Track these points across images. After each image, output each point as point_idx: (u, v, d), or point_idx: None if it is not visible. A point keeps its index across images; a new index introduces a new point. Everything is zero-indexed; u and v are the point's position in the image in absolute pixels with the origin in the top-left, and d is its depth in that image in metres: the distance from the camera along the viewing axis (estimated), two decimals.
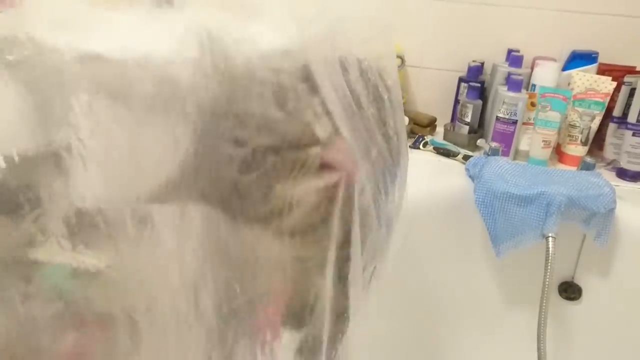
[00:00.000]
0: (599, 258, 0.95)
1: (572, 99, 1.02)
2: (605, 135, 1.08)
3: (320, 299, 0.36)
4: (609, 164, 1.07)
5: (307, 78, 0.31)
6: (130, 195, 0.26)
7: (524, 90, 1.04)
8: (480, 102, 1.11)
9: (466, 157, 1.05)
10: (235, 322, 0.31)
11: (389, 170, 0.40)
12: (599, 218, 0.88)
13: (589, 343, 0.99)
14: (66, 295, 0.26)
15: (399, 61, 1.16)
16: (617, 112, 1.05)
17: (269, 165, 0.29)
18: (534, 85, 1.06)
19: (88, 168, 0.24)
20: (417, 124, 1.17)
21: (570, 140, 1.05)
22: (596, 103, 1.02)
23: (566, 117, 1.03)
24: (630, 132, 1.00)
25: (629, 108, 1.01)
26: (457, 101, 1.17)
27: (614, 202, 0.87)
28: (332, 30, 0.33)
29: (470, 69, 1.13)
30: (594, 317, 0.98)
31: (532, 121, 1.04)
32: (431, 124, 1.19)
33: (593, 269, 0.98)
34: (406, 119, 1.10)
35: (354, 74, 0.34)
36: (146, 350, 0.27)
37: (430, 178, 0.99)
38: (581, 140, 1.04)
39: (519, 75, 1.04)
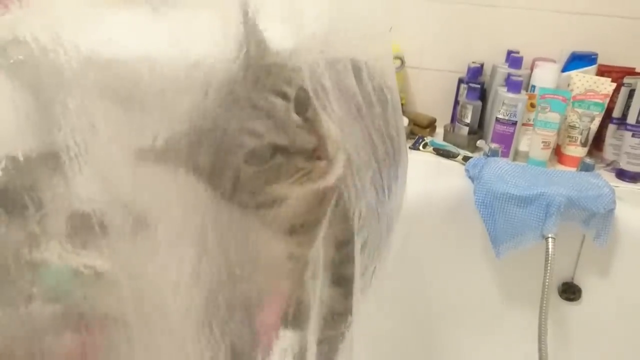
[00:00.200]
0: (599, 259, 0.95)
1: (571, 100, 1.02)
2: (604, 136, 1.08)
3: (319, 300, 0.36)
4: (608, 164, 1.07)
5: (319, 79, 0.32)
6: (129, 197, 0.26)
7: (523, 92, 1.04)
8: (479, 103, 1.11)
9: (466, 158, 1.05)
10: (233, 324, 0.31)
11: (390, 170, 0.40)
12: (598, 219, 0.88)
13: (588, 344, 0.99)
14: (66, 296, 0.26)
15: (399, 62, 1.16)
16: (616, 113, 1.06)
17: (275, 164, 0.29)
18: (533, 87, 1.06)
19: (88, 169, 0.24)
20: (417, 125, 1.17)
21: (569, 141, 1.05)
22: (596, 104, 1.02)
23: (566, 118, 1.04)
24: (630, 133, 1.00)
25: (628, 109, 1.01)
26: (456, 102, 1.17)
27: (614, 202, 0.88)
28: (332, 31, 0.33)
29: (470, 70, 1.13)
30: (594, 317, 0.99)
31: (531, 122, 1.05)
32: (431, 125, 1.19)
33: (593, 270, 0.98)
34: (406, 120, 1.10)
35: (364, 75, 0.34)
36: (146, 350, 0.27)
37: (430, 179, 0.99)
38: (581, 141, 1.04)
39: (519, 76, 1.04)
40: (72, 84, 0.24)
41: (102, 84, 0.24)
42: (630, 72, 1.07)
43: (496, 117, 1.05)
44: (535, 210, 0.88)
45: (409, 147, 1.12)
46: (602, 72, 1.07)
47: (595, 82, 1.02)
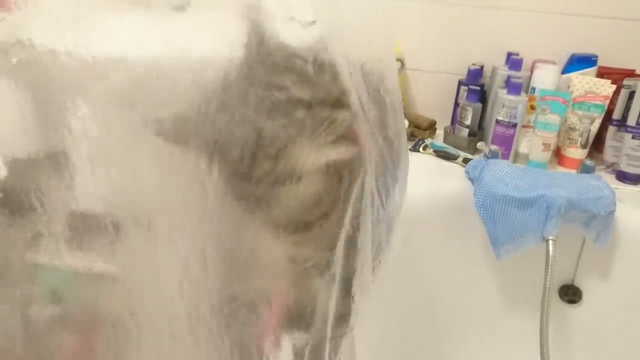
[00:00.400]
0: (599, 260, 0.95)
1: (571, 102, 1.02)
2: (604, 138, 1.08)
3: (322, 301, 0.36)
4: (608, 166, 1.07)
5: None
6: (130, 198, 0.26)
7: (523, 93, 1.04)
8: (480, 105, 1.11)
9: (466, 160, 1.05)
10: (235, 325, 0.31)
11: (390, 172, 0.40)
12: (599, 220, 0.88)
13: (589, 346, 0.99)
14: (66, 296, 0.26)
15: (398, 64, 1.16)
16: (616, 114, 1.06)
17: (298, 117, 0.29)
18: (533, 88, 1.06)
19: (89, 170, 0.24)
20: (417, 127, 1.18)
21: (569, 143, 1.05)
22: (596, 106, 1.02)
23: (566, 120, 1.04)
24: (630, 135, 1.00)
25: (628, 111, 1.01)
26: (456, 104, 1.17)
27: (614, 204, 0.88)
28: (332, 33, 0.33)
29: (470, 72, 1.13)
30: (595, 320, 0.98)
31: (531, 124, 1.05)
32: (431, 127, 1.19)
33: (593, 272, 0.97)
34: (406, 122, 1.10)
35: (356, 77, 0.34)
36: (147, 352, 0.27)
37: (430, 181, 0.99)
38: (581, 143, 1.04)
39: (519, 78, 1.04)
40: (74, 85, 0.24)
41: (103, 85, 0.25)
42: (630, 73, 1.07)
43: (496, 119, 1.05)
44: (536, 213, 0.88)
45: (409, 149, 1.12)
46: (602, 73, 1.07)
47: (595, 84, 1.02)
